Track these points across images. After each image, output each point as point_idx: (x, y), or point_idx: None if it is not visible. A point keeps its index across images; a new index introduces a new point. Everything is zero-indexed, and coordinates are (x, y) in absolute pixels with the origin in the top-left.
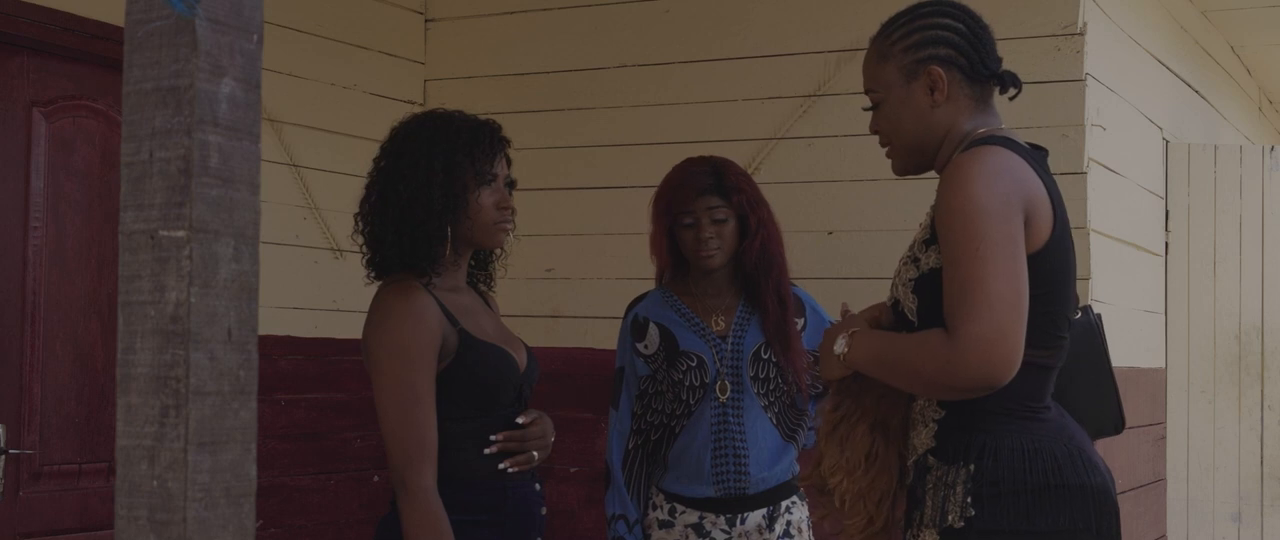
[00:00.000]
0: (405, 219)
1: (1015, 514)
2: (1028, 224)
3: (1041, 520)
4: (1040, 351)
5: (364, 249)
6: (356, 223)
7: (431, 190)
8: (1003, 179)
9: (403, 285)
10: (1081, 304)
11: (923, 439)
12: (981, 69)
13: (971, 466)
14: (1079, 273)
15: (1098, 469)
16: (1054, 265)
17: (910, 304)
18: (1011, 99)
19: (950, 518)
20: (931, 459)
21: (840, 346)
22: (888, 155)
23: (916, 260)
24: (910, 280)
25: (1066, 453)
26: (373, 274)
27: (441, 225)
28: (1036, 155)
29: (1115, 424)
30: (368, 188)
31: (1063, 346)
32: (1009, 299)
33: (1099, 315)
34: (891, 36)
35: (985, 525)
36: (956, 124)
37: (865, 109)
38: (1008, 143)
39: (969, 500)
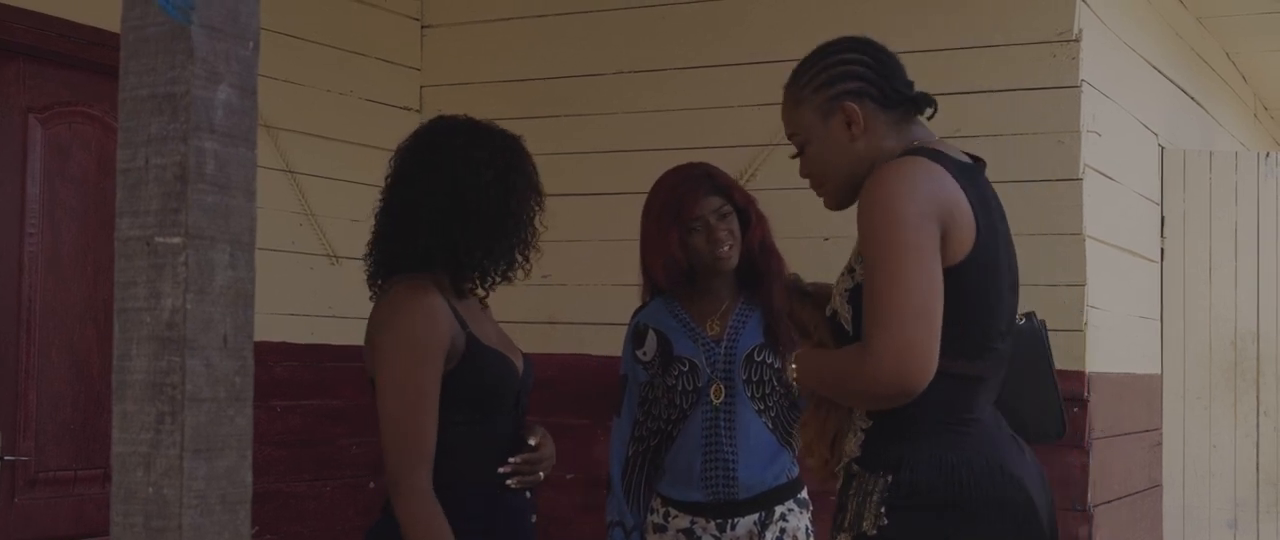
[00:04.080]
0: (490, 229)
1: (926, 526)
2: (946, 235)
3: (953, 533)
4: (966, 362)
5: (394, 240)
6: (409, 212)
7: (530, 212)
8: (917, 190)
9: (417, 284)
10: (1032, 311)
11: (851, 447)
12: (893, 95)
13: (889, 477)
14: (1074, 279)
15: (1019, 483)
16: (979, 277)
17: (846, 314)
18: (929, 119)
19: (865, 525)
20: (856, 466)
21: (791, 371)
22: (820, 195)
23: (852, 271)
24: (846, 291)
25: (985, 465)
26: (383, 268)
27: (523, 244)
28: (968, 168)
29: (1057, 428)
30: (456, 185)
31: (995, 358)
32: (917, 310)
33: (1043, 321)
34: (801, 81)
35: (896, 535)
36: (881, 151)
37: (792, 156)
38: (933, 154)
39: (883, 510)
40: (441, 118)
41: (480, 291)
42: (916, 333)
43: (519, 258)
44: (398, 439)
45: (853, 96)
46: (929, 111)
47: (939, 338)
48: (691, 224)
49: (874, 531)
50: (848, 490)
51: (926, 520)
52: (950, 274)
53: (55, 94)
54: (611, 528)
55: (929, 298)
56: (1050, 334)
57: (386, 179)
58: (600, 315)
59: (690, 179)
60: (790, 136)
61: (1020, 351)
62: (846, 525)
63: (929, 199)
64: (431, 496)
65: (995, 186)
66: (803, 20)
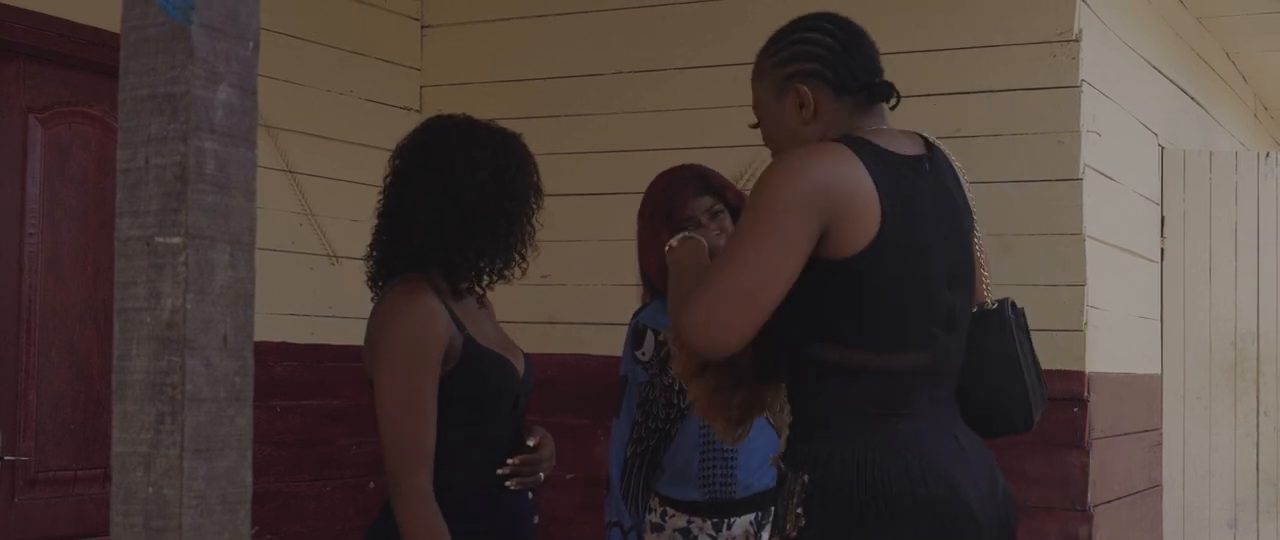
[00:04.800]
0: (484, 229)
1: (842, 526)
2: (833, 226)
3: (871, 533)
4: (879, 355)
5: (392, 240)
6: (405, 212)
7: (529, 212)
8: (802, 177)
9: (413, 286)
10: (1007, 298)
11: (782, 447)
12: (851, 82)
13: (806, 477)
14: (1074, 279)
15: (946, 481)
16: (886, 268)
17: None
18: (892, 108)
19: (788, 526)
20: (782, 466)
21: (674, 240)
22: None
23: None
24: None
25: (902, 464)
26: (383, 269)
27: (520, 243)
28: (899, 159)
29: (1024, 419)
30: (450, 184)
31: (929, 351)
32: (732, 291)
33: (1021, 309)
34: (767, 52)
35: (814, 536)
36: (829, 137)
37: (751, 125)
38: (857, 142)
39: (800, 511)
40: (439, 117)
41: (477, 290)
42: (720, 308)
43: (515, 257)
44: (396, 441)
45: (807, 78)
46: (893, 102)
47: (753, 322)
48: (683, 224)
49: (795, 533)
50: (776, 492)
51: (841, 520)
52: (843, 265)
53: (55, 94)
54: (610, 528)
55: (753, 283)
56: (1052, 333)
57: (385, 179)
58: (600, 315)
59: (680, 179)
60: (753, 105)
61: (989, 339)
62: (775, 528)
63: (814, 186)
64: (431, 498)
65: (995, 187)
66: None
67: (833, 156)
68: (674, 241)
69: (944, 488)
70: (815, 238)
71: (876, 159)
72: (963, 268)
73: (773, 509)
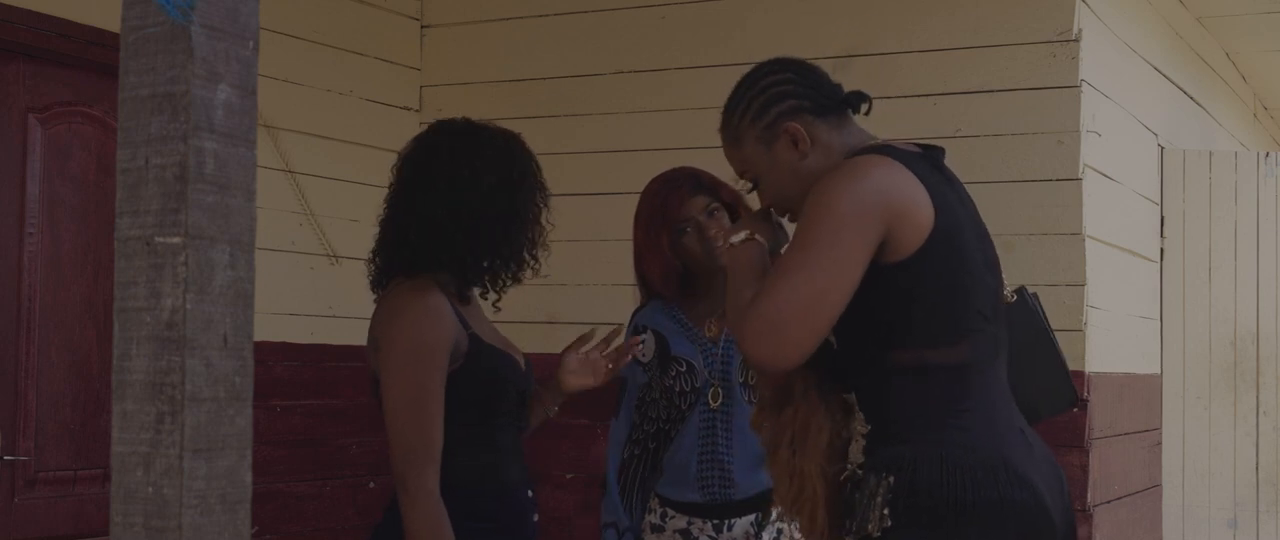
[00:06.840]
0: (497, 234)
1: (928, 527)
2: (894, 232)
3: (958, 534)
4: (945, 350)
5: (399, 249)
6: (413, 221)
7: (537, 212)
8: (861, 188)
9: (420, 285)
10: (1022, 286)
11: (856, 454)
12: (827, 102)
13: (891, 478)
14: (1074, 279)
15: (1025, 482)
16: (941, 263)
17: None
18: (866, 114)
19: (870, 527)
20: (860, 472)
21: (737, 238)
22: (791, 221)
23: None
24: None
25: (986, 465)
26: (387, 276)
27: (531, 243)
28: (922, 156)
29: (1069, 397)
30: (457, 193)
31: (980, 340)
32: (802, 300)
33: (1035, 294)
34: (734, 118)
35: (903, 536)
36: (831, 160)
37: (748, 191)
38: (887, 149)
39: (886, 512)
40: (440, 123)
41: (491, 295)
42: (786, 321)
43: (527, 258)
44: (404, 440)
45: (790, 116)
46: (865, 108)
47: (815, 337)
48: (681, 226)
49: (878, 533)
50: (854, 494)
51: (927, 521)
52: (901, 267)
53: (55, 94)
54: (605, 529)
55: (819, 296)
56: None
57: (390, 186)
58: (601, 315)
59: (674, 182)
60: (741, 175)
61: (1022, 329)
62: (853, 530)
63: (872, 199)
64: (438, 497)
65: (995, 187)
66: (802, 20)
67: (882, 166)
68: (735, 239)
69: (1027, 491)
70: (874, 247)
71: (909, 160)
72: (992, 251)
73: (772, 510)
